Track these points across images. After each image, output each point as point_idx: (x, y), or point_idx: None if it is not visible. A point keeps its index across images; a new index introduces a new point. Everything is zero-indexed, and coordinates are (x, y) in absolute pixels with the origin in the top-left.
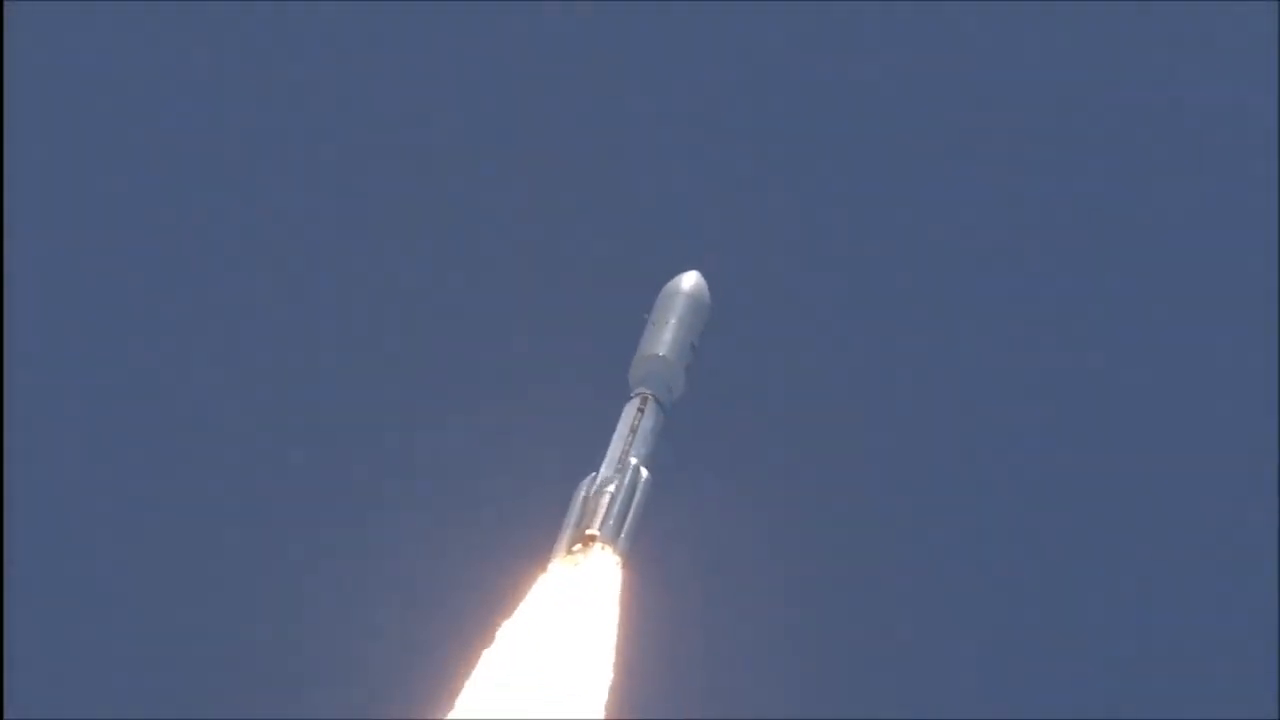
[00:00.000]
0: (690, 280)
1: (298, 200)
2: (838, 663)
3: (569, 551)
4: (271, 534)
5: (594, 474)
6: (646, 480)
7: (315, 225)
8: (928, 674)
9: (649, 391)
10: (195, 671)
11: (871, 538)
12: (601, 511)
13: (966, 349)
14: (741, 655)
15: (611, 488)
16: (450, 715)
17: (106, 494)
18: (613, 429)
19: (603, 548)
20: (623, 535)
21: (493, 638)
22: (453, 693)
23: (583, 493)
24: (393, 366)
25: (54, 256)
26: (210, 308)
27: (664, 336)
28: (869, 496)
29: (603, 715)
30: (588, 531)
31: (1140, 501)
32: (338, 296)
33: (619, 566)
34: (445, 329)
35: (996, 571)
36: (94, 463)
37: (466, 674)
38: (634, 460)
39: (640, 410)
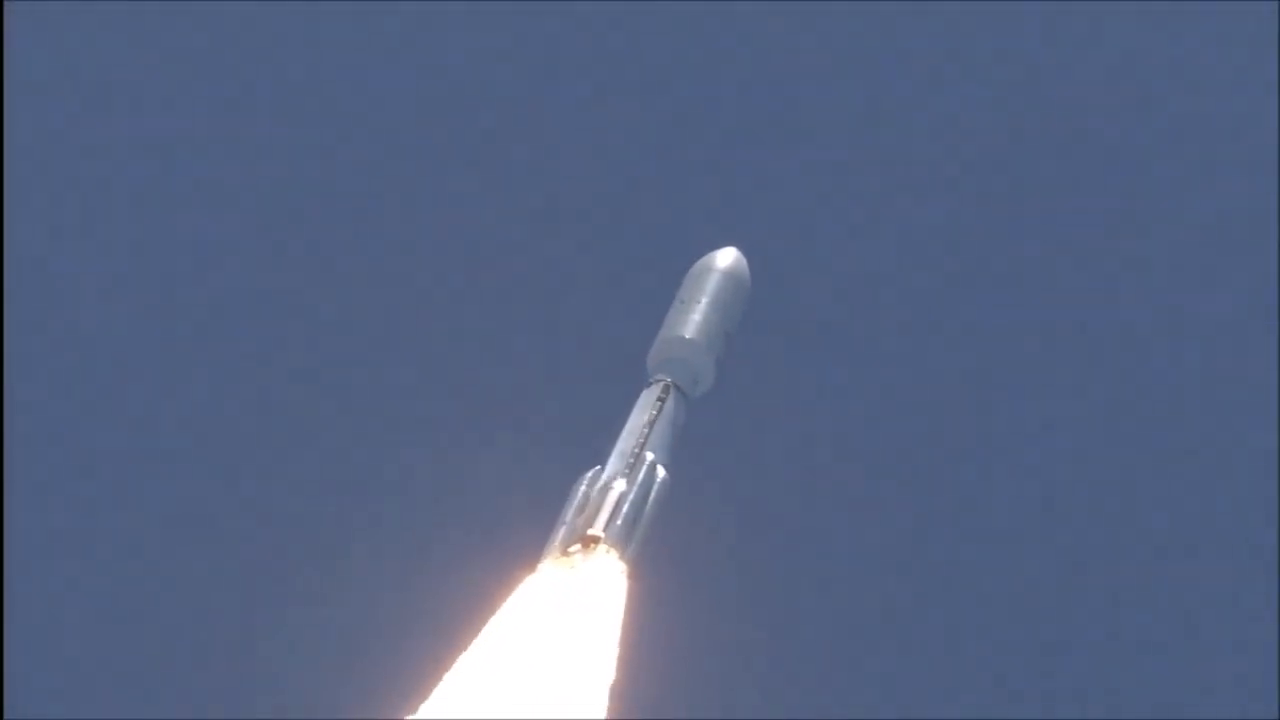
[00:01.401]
0: (727, 258)
1: (298, 195)
2: (878, 693)
3: (564, 553)
4: (265, 530)
5: (598, 468)
6: (664, 481)
7: (313, 214)
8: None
9: (670, 379)
10: (194, 672)
11: (919, 553)
12: (607, 511)
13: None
14: (771, 686)
15: (620, 484)
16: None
17: (106, 494)
18: (613, 419)
19: (607, 551)
20: (633, 541)
21: (465, 646)
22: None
23: (583, 488)
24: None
25: (54, 257)
26: (209, 306)
27: (693, 318)
28: (918, 506)
29: None
30: (589, 532)
31: (1140, 500)
32: (326, 282)
33: (625, 576)
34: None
35: (1008, 575)
36: (93, 463)
37: (430, 689)
38: (650, 456)
39: (660, 399)
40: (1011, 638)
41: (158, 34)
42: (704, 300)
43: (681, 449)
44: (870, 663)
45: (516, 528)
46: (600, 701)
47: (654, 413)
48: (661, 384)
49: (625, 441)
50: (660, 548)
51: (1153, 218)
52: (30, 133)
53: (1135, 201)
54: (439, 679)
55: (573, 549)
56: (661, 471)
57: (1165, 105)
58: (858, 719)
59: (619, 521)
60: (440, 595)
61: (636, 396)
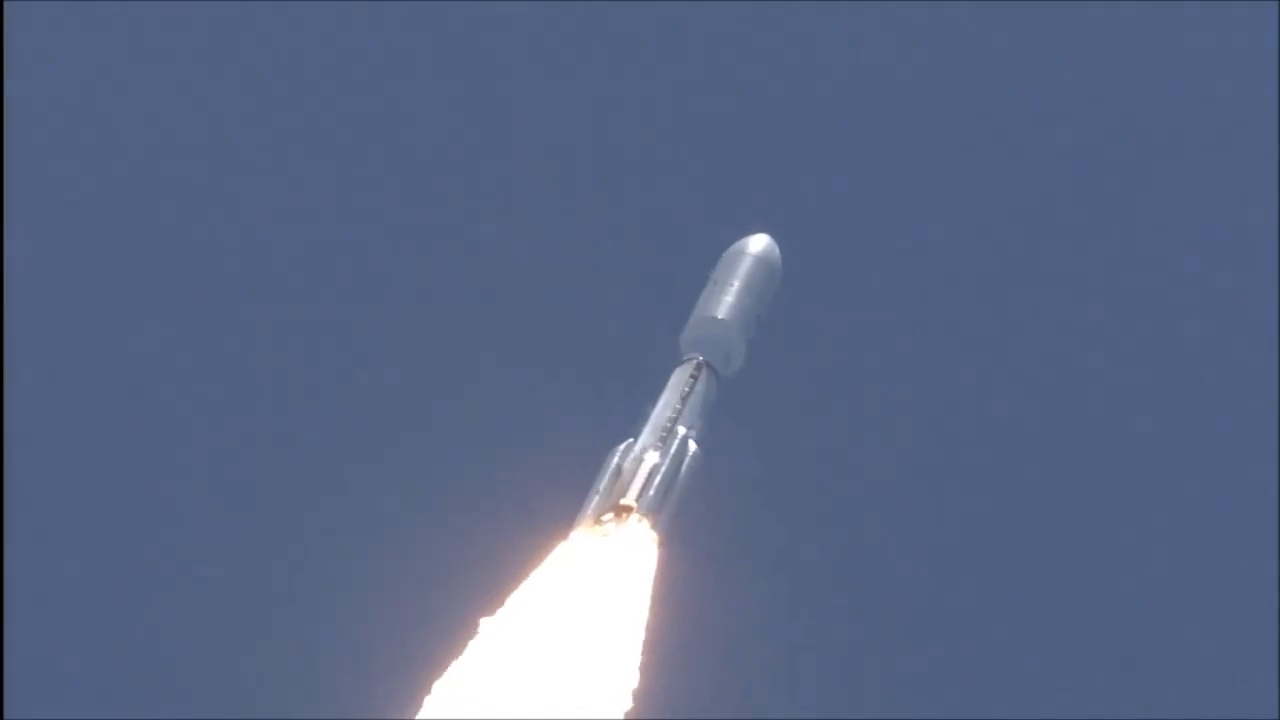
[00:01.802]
0: (760, 244)
1: (309, 189)
2: (894, 670)
3: (597, 521)
4: (276, 519)
5: (630, 440)
6: (696, 454)
7: (340, 192)
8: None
9: (703, 357)
10: (200, 670)
11: (934, 531)
12: (640, 481)
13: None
14: (793, 649)
15: (653, 456)
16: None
17: (107, 493)
18: (646, 393)
19: (640, 520)
20: (664, 511)
21: (495, 610)
22: (444, 673)
23: (616, 460)
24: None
25: (54, 257)
26: (216, 301)
27: (726, 299)
28: (936, 485)
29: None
30: (622, 502)
31: (1141, 500)
32: (365, 253)
33: (656, 545)
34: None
35: (1023, 556)
36: (94, 463)
37: (460, 653)
38: (682, 430)
39: (693, 376)
40: (1038, 615)
41: (158, 34)
42: (737, 283)
43: (712, 425)
44: (887, 631)
45: (551, 497)
46: (630, 663)
47: (687, 389)
48: (694, 362)
49: (658, 416)
50: (691, 518)
51: (1162, 218)
52: (30, 133)
53: (1140, 201)
54: (474, 638)
55: (606, 517)
56: (693, 445)
57: (1167, 105)
58: (878, 681)
59: (651, 492)
60: (478, 559)
61: (669, 373)
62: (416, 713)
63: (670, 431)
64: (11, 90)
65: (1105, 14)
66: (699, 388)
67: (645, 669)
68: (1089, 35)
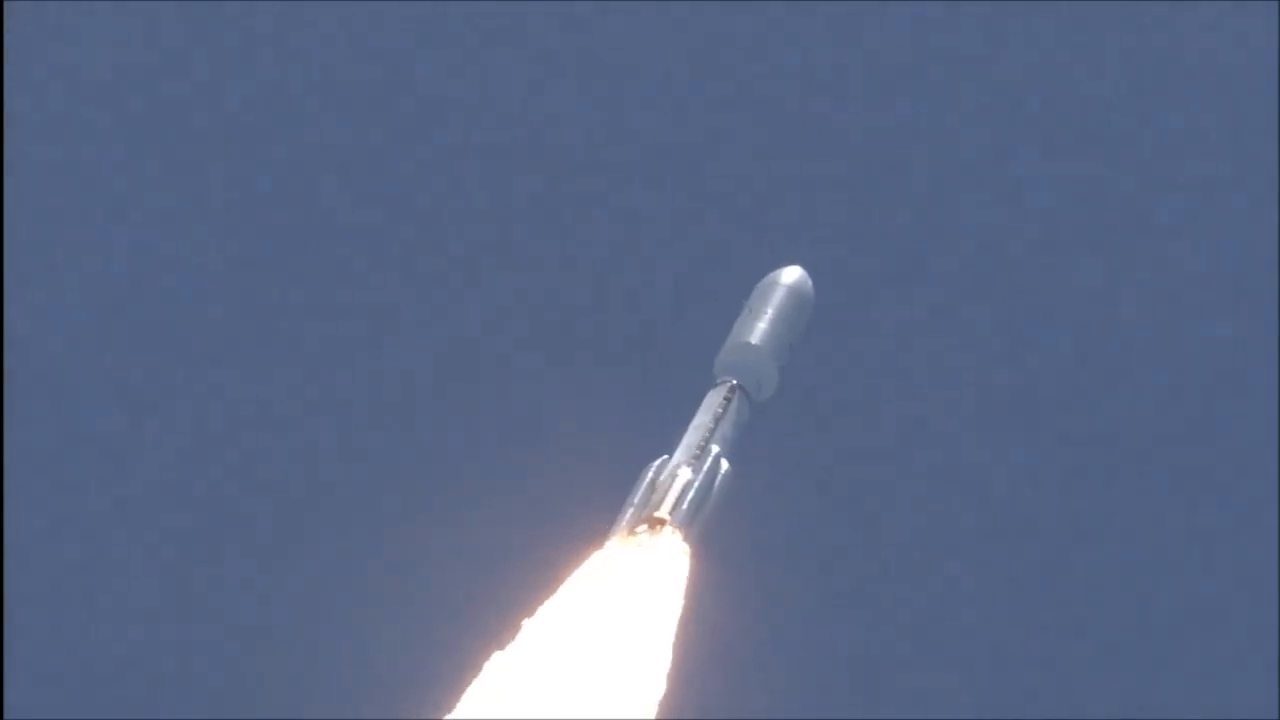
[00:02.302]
0: (793, 275)
1: (318, 188)
2: (924, 682)
3: (631, 532)
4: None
5: (665, 457)
6: (727, 472)
7: (367, 193)
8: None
9: (736, 381)
10: (206, 669)
11: (965, 547)
12: (674, 495)
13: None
14: (818, 670)
15: (686, 472)
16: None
17: (108, 493)
18: (677, 417)
19: (673, 532)
20: (696, 524)
21: (531, 614)
22: (479, 674)
23: (650, 475)
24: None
25: (54, 257)
26: (220, 304)
27: (760, 326)
28: (965, 504)
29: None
30: (656, 514)
31: (1142, 500)
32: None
33: (687, 556)
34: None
35: (1055, 573)
36: (96, 463)
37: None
38: (715, 449)
39: (727, 399)
40: (1065, 622)
41: (157, 34)
42: (770, 311)
43: (743, 447)
44: (916, 645)
45: (588, 508)
46: (660, 666)
47: (720, 410)
48: (728, 385)
49: (692, 434)
50: (722, 532)
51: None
52: (30, 132)
53: (1141, 202)
54: (511, 642)
55: (640, 529)
56: (725, 464)
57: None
58: (908, 692)
59: (684, 506)
60: (517, 563)
61: (702, 396)
62: (451, 713)
63: (703, 450)
64: (12, 90)
65: (1106, 13)
66: (731, 410)
67: (675, 671)
68: (1091, 35)
